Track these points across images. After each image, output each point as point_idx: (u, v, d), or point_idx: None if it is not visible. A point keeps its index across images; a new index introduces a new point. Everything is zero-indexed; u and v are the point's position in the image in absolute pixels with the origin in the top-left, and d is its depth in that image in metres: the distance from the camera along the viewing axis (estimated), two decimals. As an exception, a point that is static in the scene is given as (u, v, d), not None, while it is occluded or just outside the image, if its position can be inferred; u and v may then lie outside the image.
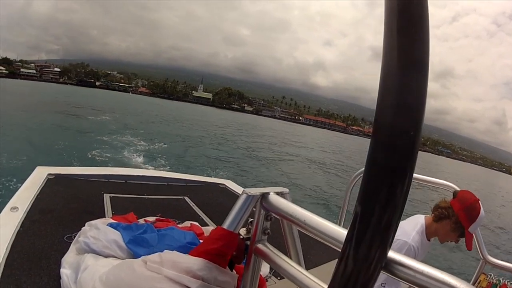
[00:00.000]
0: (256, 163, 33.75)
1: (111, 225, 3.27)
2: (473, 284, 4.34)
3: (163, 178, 7.08)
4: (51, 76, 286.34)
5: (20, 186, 5.13)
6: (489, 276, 4.39)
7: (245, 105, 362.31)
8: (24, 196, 4.73)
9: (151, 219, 4.24)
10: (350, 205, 4.72)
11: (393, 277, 0.99)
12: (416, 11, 0.77)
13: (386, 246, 0.87)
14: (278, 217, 1.63)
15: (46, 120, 37.17)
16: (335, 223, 1.34)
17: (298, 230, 1.66)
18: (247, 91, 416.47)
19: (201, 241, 3.02)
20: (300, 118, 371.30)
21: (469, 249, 3.61)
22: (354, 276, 0.88)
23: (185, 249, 2.42)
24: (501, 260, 4.14)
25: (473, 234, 3.66)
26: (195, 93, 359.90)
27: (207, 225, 4.77)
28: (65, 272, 2.86)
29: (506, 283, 4.32)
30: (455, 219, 3.56)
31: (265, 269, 3.69)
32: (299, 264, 1.66)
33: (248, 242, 1.72)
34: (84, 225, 3.47)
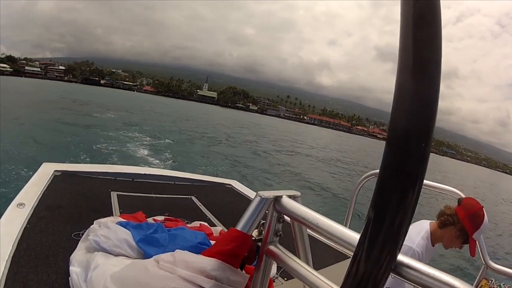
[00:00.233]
0: (260, 161, 34.17)
1: (120, 223, 3.27)
2: None
3: (170, 177, 7.08)
4: (56, 74, 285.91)
5: (26, 183, 5.12)
6: (490, 281, 4.46)
7: (250, 104, 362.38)
8: (31, 192, 4.70)
9: (160, 218, 4.25)
10: (356, 206, 4.93)
11: (402, 279, 1.02)
12: (431, 17, 0.80)
13: (396, 250, 0.91)
14: (290, 220, 1.68)
15: (52, 117, 37.57)
16: (341, 222, 1.36)
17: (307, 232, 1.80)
18: (252, 90, 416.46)
19: (211, 241, 3.06)
20: (305, 117, 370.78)
21: (472, 255, 3.72)
22: (366, 277, 0.92)
23: (196, 249, 2.41)
24: (503, 265, 4.16)
25: (477, 241, 3.75)
26: (200, 92, 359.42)
27: (214, 225, 4.79)
28: (75, 270, 2.85)
29: (507, 288, 4.39)
30: (460, 226, 3.69)
31: (272, 270, 3.66)
32: (309, 265, 1.62)
33: (259, 244, 1.74)
34: (92, 223, 3.48)
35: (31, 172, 13.30)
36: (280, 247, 1.67)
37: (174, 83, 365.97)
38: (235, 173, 24.03)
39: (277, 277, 3.74)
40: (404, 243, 0.92)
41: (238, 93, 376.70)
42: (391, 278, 3.17)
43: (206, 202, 5.97)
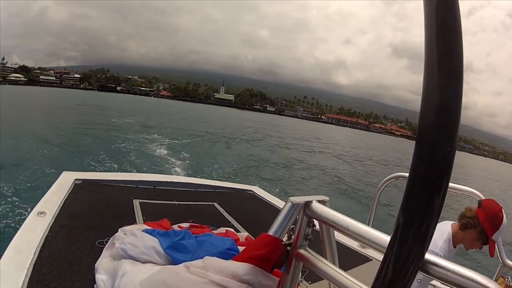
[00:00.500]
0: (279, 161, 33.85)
1: (146, 231, 3.27)
2: None
3: (191, 184, 7.10)
4: (72, 82, 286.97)
5: (46, 191, 5.13)
6: (506, 279, 4.69)
7: (268, 105, 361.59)
8: (51, 201, 4.72)
9: (185, 225, 4.26)
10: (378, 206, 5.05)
11: (429, 276, 1.06)
12: (453, 23, 0.87)
13: (423, 250, 0.96)
14: (318, 223, 1.73)
15: (71, 123, 38.74)
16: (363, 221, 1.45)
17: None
18: (270, 92, 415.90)
19: (239, 247, 3.04)
20: (323, 117, 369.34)
21: (491, 255, 3.81)
22: (395, 275, 0.97)
23: (225, 255, 2.42)
24: None
25: (495, 241, 3.81)
26: (217, 95, 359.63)
27: (238, 231, 4.78)
28: (101, 277, 2.86)
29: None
30: (480, 229, 3.76)
31: None
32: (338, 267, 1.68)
33: (289, 248, 1.77)
34: (115, 231, 3.53)
35: (49, 178, 13.85)
36: (310, 250, 1.72)
37: (191, 87, 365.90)
38: (253, 171, 24.92)
39: (301, 281, 3.74)
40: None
41: (255, 95, 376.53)
42: (417, 283, 3.15)
43: (229, 209, 5.99)
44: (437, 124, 0.89)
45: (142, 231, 3.27)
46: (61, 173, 5.97)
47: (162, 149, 29.38)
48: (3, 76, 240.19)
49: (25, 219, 4.01)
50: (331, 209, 1.62)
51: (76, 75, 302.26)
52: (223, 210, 5.93)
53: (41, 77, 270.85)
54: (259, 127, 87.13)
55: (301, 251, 1.72)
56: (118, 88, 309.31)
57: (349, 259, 4.54)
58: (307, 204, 1.69)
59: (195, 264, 2.02)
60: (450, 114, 0.89)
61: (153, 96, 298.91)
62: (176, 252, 2.87)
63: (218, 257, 1.98)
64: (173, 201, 5.88)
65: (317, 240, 1.84)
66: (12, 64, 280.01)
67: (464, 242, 3.98)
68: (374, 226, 1.39)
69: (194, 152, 29.71)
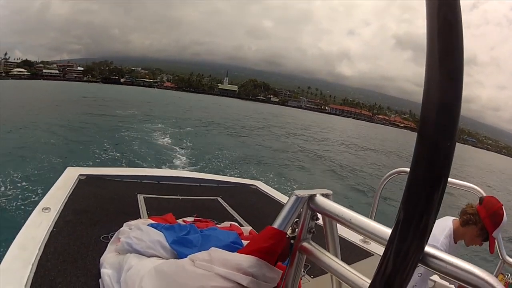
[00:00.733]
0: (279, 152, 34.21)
1: (151, 225, 3.28)
2: None
3: (195, 179, 7.13)
4: (75, 75, 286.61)
5: (52, 178, 5.16)
6: (506, 276, 4.67)
7: (271, 96, 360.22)
8: (56, 196, 4.74)
9: (190, 219, 4.28)
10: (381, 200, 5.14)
11: (429, 268, 1.09)
12: (455, 22, 0.88)
13: (423, 243, 0.99)
14: (322, 217, 1.77)
15: (75, 115, 39.40)
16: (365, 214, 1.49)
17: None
18: (273, 83, 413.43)
19: (243, 241, 3.06)
20: (326, 108, 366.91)
21: (491, 252, 3.92)
22: (396, 267, 1.00)
23: (230, 248, 2.43)
24: None
25: (496, 238, 3.92)
26: (220, 86, 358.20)
27: (241, 225, 4.80)
28: (106, 272, 2.87)
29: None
30: (481, 226, 3.86)
31: None
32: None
33: (292, 241, 1.81)
34: (120, 225, 3.55)
35: (56, 166, 14.32)
36: (313, 243, 1.77)
37: (195, 78, 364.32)
38: (255, 162, 25.14)
39: (303, 275, 3.77)
40: (429, 242, 1.00)
41: (259, 86, 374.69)
42: (417, 277, 3.20)
43: (232, 203, 6.02)
44: (437, 122, 0.90)
45: (147, 225, 3.29)
46: (65, 168, 6.01)
47: (166, 138, 29.91)
48: (6, 71, 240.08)
49: (33, 201, 4.04)
50: (334, 203, 1.64)
51: (79, 68, 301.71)
52: (227, 205, 5.96)
53: (44, 70, 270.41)
54: (261, 117, 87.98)
55: (305, 244, 1.76)
56: (122, 80, 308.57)
57: (351, 254, 4.59)
58: (311, 197, 1.72)
59: (200, 257, 2.06)
60: (450, 112, 0.90)
61: (157, 88, 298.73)
62: (182, 246, 2.89)
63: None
64: (177, 195, 5.91)
65: (320, 234, 1.88)
66: (15, 59, 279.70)
67: (465, 238, 4.06)
68: (377, 220, 1.46)
69: (197, 141, 30.37)
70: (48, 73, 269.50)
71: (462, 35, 0.90)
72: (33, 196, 12.31)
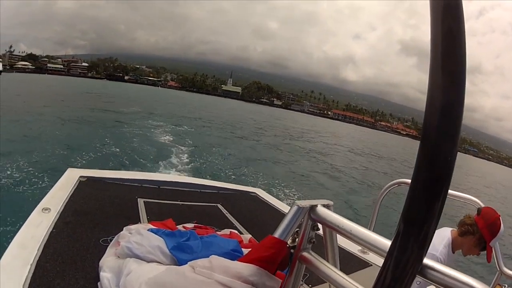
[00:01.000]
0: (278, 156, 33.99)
1: (151, 230, 3.30)
2: None
3: (196, 185, 7.15)
4: (79, 71, 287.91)
5: (49, 187, 5.18)
6: (504, 287, 4.73)
7: (274, 99, 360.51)
8: (56, 197, 4.74)
9: (190, 225, 4.29)
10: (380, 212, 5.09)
11: (427, 280, 1.11)
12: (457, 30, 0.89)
13: (422, 255, 1.00)
14: (322, 227, 1.78)
15: (78, 110, 39.82)
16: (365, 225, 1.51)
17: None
18: (277, 85, 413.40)
19: (243, 249, 3.08)
20: (329, 112, 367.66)
21: (489, 261, 4.07)
22: (393, 281, 1.00)
23: (230, 256, 2.45)
24: None
25: (493, 248, 4.06)
26: (224, 87, 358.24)
27: (241, 233, 4.83)
28: (106, 275, 2.88)
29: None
30: (479, 236, 4.02)
31: None
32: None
33: (292, 250, 1.82)
34: (120, 229, 3.56)
35: (60, 156, 16.16)
36: (313, 253, 1.77)
37: (199, 78, 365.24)
38: (255, 166, 24.52)
39: (302, 284, 3.75)
40: (428, 251, 1.01)
41: (263, 88, 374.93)
42: (416, 285, 3.26)
43: (232, 210, 6.03)
44: (439, 132, 0.92)
45: (148, 230, 3.30)
46: (66, 166, 6.03)
47: (167, 136, 30.19)
48: (11, 64, 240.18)
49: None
50: (335, 213, 1.66)
51: (84, 64, 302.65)
52: (227, 212, 5.97)
53: (48, 65, 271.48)
54: (264, 120, 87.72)
55: (305, 253, 1.77)
56: (126, 77, 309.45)
57: (350, 264, 4.60)
58: (312, 208, 1.73)
59: (201, 264, 2.07)
60: (451, 125, 0.91)
61: (161, 87, 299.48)
62: (182, 252, 2.90)
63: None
64: (177, 201, 5.92)
65: (320, 243, 1.90)
66: (19, 52, 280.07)
67: (463, 248, 4.21)
68: (377, 231, 1.48)
69: (198, 141, 30.50)
70: (52, 67, 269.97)
71: (465, 43, 0.90)
72: (40, 182, 13.34)
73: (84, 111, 39.91)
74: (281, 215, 6.16)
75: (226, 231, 4.36)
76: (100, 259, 3.20)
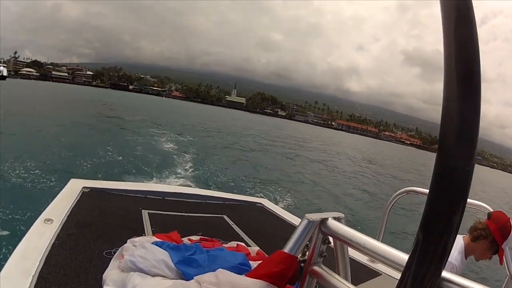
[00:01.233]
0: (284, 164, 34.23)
1: (156, 243, 3.22)
2: None
3: (200, 196, 7.06)
4: (84, 79, 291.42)
5: (53, 191, 5.09)
6: None
7: (279, 110, 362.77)
8: (59, 208, 4.64)
9: (195, 238, 4.20)
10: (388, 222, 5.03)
11: None
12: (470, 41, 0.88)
13: (441, 267, 0.97)
14: (333, 240, 1.75)
15: (82, 117, 40.18)
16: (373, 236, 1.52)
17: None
18: (281, 96, 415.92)
19: (251, 262, 3.01)
20: (333, 123, 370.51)
21: (501, 263, 4.10)
22: None
23: (237, 270, 2.40)
24: None
25: (504, 251, 4.08)
26: (228, 98, 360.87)
27: (248, 244, 4.73)
28: None
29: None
30: (491, 239, 4.07)
31: None
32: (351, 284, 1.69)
33: (302, 264, 1.77)
34: (124, 241, 3.47)
35: (65, 160, 16.71)
36: (324, 267, 1.73)
37: (203, 88, 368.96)
38: (260, 177, 24.31)
39: None
40: None
41: (267, 99, 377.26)
42: None
43: (238, 221, 5.92)
44: (456, 143, 0.90)
45: (152, 243, 3.23)
46: (69, 175, 5.95)
47: (170, 145, 30.33)
48: (15, 69, 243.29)
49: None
50: (346, 227, 1.63)
51: (88, 72, 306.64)
52: (233, 223, 5.85)
53: (53, 72, 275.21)
54: (268, 130, 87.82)
55: (315, 268, 1.74)
56: (130, 87, 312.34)
57: (359, 274, 4.43)
58: (323, 221, 1.70)
59: (207, 279, 2.00)
60: (469, 134, 0.90)
61: (165, 97, 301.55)
62: (187, 266, 2.83)
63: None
64: (182, 212, 5.83)
65: (329, 255, 1.84)
66: (24, 58, 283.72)
67: (475, 253, 4.28)
68: (385, 241, 1.47)
69: (202, 150, 30.46)
70: (57, 75, 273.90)
71: (478, 51, 0.89)
72: (48, 182, 14.25)
73: (89, 118, 40.56)
74: (288, 226, 6.10)
75: (233, 244, 4.25)
76: (103, 272, 3.10)
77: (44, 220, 4.10)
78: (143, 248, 3.04)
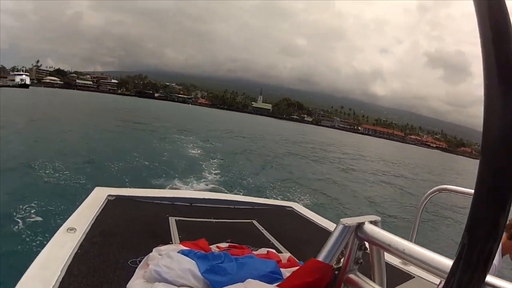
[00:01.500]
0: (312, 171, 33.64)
1: (182, 252, 3.11)
2: None
3: (229, 201, 6.91)
4: (109, 87, 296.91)
5: (76, 204, 5.01)
6: None
7: (305, 115, 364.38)
8: (83, 217, 4.56)
9: (224, 245, 4.07)
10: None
11: None
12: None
13: (486, 271, 0.90)
14: (369, 245, 1.67)
15: (109, 124, 42.45)
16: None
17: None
18: (306, 102, 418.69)
19: (282, 269, 2.91)
20: (359, 128, 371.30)
21: None
22: None
23: (268, 279, 2.34)
24: None
25: None
26: (254, 104, 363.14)
27: (278, 250, 4.58)
28: None
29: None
30: None
31: None
32: None
33: (337, 272, 1.69)
34: (150, 250, 3.37)
35: (94, 163, 17.86)
36: (360, 275, 1.66)
37: (229, 95, 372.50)
38: (289, 185, 23.78)
39: None
40: None
41: (293, 105, 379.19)
42: None
43: (268, 227, 5.77)
44: (501, 142, 0.83)
45: (178, 252, 3.13)
46: (94, 188, 5.85)
47: (197, 151, 30.46)
48: (38, 78, 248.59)
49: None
50: (384, 231, 1.56)
51: (113, 81, 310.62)
52: (263, 228, 5.71)
53: (77, 81, 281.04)
54: (295, 135, 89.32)
55: (351, 276, 1.66)
56: (156, 94, 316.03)
57: (392, 277, 4.20)
58: (359, 226, 1.62)
59: None
60: None
61: (191, 104, 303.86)
62: (215, 275, 2.72)
63: (261, 281, 1.92)
64: (210, 218, 5.70)
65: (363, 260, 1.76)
66: (47, 67, 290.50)
67: (511, 251, 4.13)
68: (416, 242, 1.42)
69: (228, 156, 30.47)
70: (82, 83, 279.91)
71: None
72: (80, 179, 15.46)
73: (116, 125, 41.61)
74: (320, 230, 5.95)
75: (263, 251, 4.10)
76: (127, 282, 3.00)
77: (67, 229, 4.02)
78: (169, 258, 2.94)
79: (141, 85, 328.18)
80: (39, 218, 10.55)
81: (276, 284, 1.81)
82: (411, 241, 3.89)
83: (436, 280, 2.76)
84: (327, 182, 28.27)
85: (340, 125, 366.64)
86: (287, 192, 20.96)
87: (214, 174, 21.90)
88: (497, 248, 0.88)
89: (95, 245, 3.85)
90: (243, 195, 8.93)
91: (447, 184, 4.66)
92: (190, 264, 2.83)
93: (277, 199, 9.61)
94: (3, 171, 14.50)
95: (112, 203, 5.45)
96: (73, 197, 11.80)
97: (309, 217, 6.84)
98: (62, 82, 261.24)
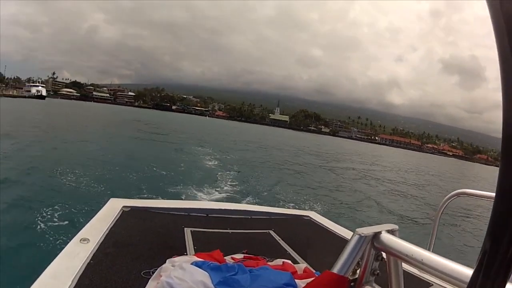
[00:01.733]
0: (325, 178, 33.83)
1: (196, 263, 3.09)
2: None
3: (246, 211, 6.82)
4: (126, 100, 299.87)
5: (90, 214, 4.98)
6: None
7: (322, 126, 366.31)
8: (96, 227, 4.52)
9: (239, 256, 4.02)
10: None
11: None
12: None
13: (507, 278, 0.85)
14: (386, 255, 1.59)
15: (127, 136, 43.17)
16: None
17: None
18: (323, 113, 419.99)
19: (297, 280, 2.88)
20: (376, 138, 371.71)
21: None
22: None
23: None
24: None
25: None
26: (272, 116, 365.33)
27: (295, 261, 4.50)
28: None
29: None
30: None
31: None
32: None
33: (353, 283, 1.61)
34: (164, 261, 3.36)
35: (112, 173, 18.03)
36: (376, 286, 1.61)
37: (246, 107, 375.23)
38: (307, 194, 23.70)
39: None
40: None
41: (310, 116, 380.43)
42: None
43: (285, 236, 5.68)
44: None
45: (192, 263, 3.10)
46: (108, 199, 5.82)
47: (215, 162, 30.60)
48: (55, 90, 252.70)
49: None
50: (402, 240, 1.50)
51: (130, 93, 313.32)
52: (279, 238, 5.61)
53: (94, 93, 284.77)
54: (313, 146, 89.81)
55: (367, 287, 1.60)
56: (173, 107, 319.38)
57: (408, 285, 4.11)
58: (376, 235, 1.55)
59: None
60: None
61: (208, 116, 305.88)
62: (228, 287, 2.71)
63: None
64: (227, 229, 5.64)
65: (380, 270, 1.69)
66: (63, 79, 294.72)
67: None
68: (435, 250, 1.38)
69: (245, 168, 30.46)
70: (98, 95, 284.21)
71: None
72: (99, 186, 15.81)
73: (134, 136, 42.53)
74: (338, 239, 5.86)
75: (279, 262, 4.04)
76: None
77: (80, 240, 3.98)
78: (181, 269, 2.91)
79: (158, 97, 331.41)
80: (59, 222, 10.68)
81: None
82: (429, 248, 3.77)
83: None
84: (345, 191, 28.30)
85: (357, 135, 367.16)
86: (304, 202, 20.92)
87: (230, 184, 21.83)
88: None
89: (108, 255, 3.81)
90: (259, 205, 8.80)
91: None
92: (202, 276, 2.80)
93: (295, 209, 9.54)
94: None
95: (127, 214, 5.43)
96: (89, 206, 11.87)
97: (327, 226, 6.74)
98: (79, 94, 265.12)
